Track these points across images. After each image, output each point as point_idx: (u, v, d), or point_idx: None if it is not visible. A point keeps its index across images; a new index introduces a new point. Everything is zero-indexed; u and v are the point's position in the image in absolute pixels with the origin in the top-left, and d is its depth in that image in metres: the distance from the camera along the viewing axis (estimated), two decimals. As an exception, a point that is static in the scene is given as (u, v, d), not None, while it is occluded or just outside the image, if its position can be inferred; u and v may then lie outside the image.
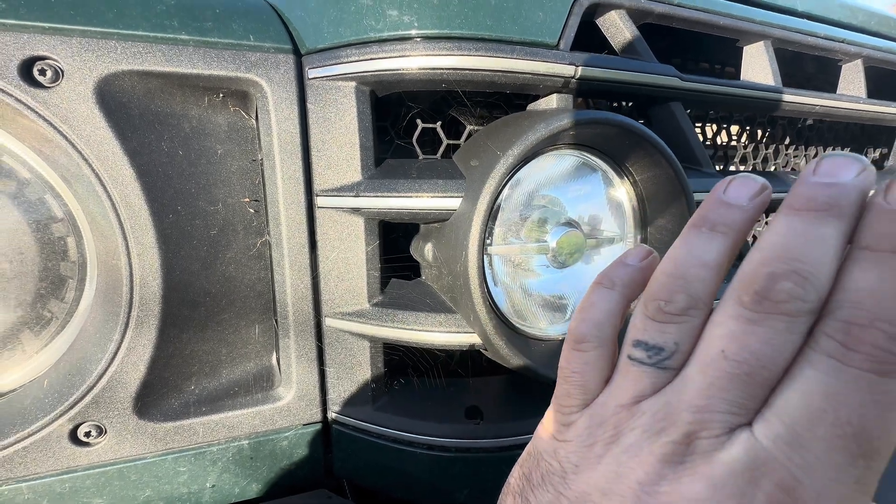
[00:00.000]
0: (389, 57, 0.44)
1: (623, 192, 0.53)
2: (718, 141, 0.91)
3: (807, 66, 0.86)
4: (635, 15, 0.53)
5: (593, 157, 0.51)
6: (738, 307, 0.20)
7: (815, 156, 0.95)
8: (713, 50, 0.85)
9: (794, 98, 0.63)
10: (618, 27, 0.53)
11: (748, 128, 0.89)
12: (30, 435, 0.44)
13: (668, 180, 0.50)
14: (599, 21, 0.54)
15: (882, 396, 0.16)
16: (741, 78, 0.66)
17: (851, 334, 0.17)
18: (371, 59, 0.44)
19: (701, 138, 0.85)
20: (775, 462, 0.17)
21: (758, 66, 0.65)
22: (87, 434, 0.45)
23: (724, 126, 0.87)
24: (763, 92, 0.60)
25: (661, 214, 0.53)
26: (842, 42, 0.71)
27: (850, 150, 1.00)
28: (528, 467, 0.26)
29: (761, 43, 0.65)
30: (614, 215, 0.54)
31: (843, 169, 0.18)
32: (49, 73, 0.40)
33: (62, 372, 0.46)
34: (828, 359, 0.17)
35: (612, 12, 0.53)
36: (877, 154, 1.01)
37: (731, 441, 0.19)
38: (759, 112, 0.75)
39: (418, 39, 0.44)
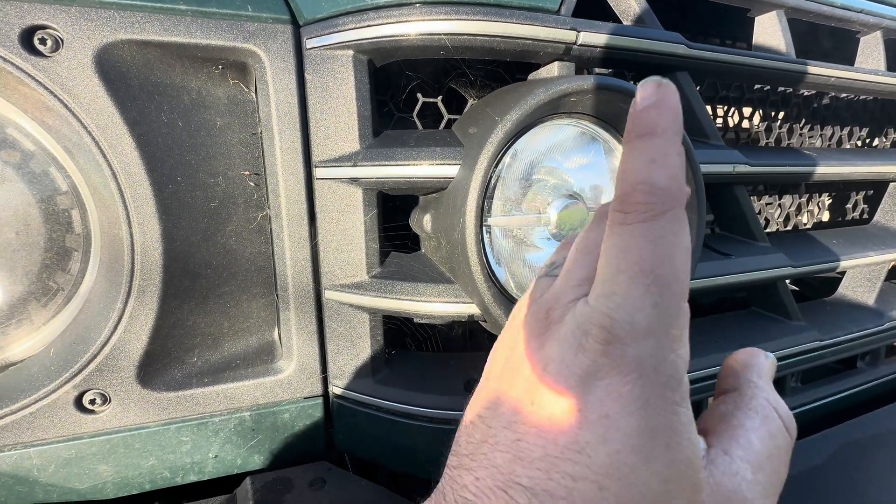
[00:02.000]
0: (387, 23, 0.43)
1: (627, 163, 0.52)
2: (731, 122, 0.88)
3: (823, 41, 0.83)
4: (641, -19, 0.52)
5: (595, 127, 0.50)
6: (608, 221, 0.25)
7: (832, 136, 0.92)
8: (725, 25, 0.82)
9: (808, 69, 0.61)
10: (623, -6, 0.52)
11: (761, 108, 0.86)
12: (37, 401, 0.45)
13: (673, 150, 0.48)
14: (604, -12, 0.53)
15: (654, 235, 0.21)
16: (753, 49, 0.64)
17: (624, 202, 0.22)
18: (368, 25, 0.44)
19: (712, 115, 0.83)
20: (596, 312, 0.22)
21: (770, 38, 0.63)
22: (92, 402, 0.46)
23: (737, 106, 0.85)
24: (775, 62, 0.58)
25: (667, 187, 0.51)
26: (860, 12, 0.68)
27: (869, 130, 0.97)
28: (465, 418, 0.29)
29: (773, 13, 0.63)
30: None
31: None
32: (49, 42, 0.40)
33: (67, 341, 0.47)
34: (616, 225, 0.23)
35: (617, -21, 0.51)
36: (897, 134, 0.98)
37: (573, 309, 0.24)
38: (772, 83, 0.73)
39: (416, 4, 0.43)
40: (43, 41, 0.40)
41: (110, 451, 0.48)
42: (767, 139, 0.85)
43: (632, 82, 0.66)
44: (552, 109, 0.44)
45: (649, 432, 0.20)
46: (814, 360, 0.66)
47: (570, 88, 0.42)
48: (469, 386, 0.50)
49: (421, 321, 0.54)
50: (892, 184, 0.79)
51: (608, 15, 0.53)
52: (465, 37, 0.43)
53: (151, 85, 0.45)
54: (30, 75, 0.40)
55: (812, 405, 0.68)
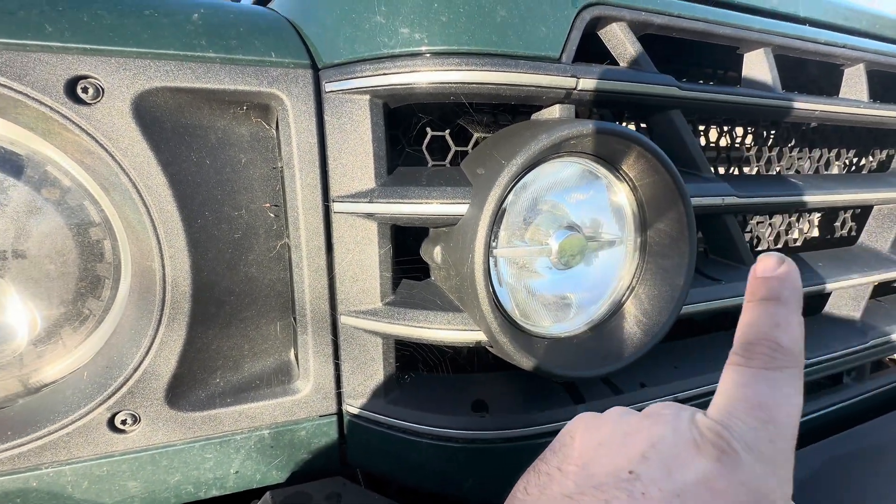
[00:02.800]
0: (401, 72, 0.47)
1: (623, 196, 0.56)
2: (723, 143, 0.92)
3: (811, 70, 0.87)
4: (636, 27, 0.56)
5: (594, 164, 0.53)
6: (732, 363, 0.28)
7: (820, 158, 0.96)
8: (717, 54, 0.86)
9: (793, 104, 0.65)
10: (619, 39, 0.55)
11: (752, 130, 0.90)
12: (72, 422, 0.48)
13: (665, 186, 0.52)
14: (601, 33, 0.56)
15: (773, 381, 0.25)
16: (742, 84, 0.68)
17: (748, 350, 0.26)
18: (384, 73, 0.47)
19: (704, 141, 0.87)
20: (714, 422, 0.25)
21: (758, 73, 0.67)
22: (124, 422, 0.49)
23: (728, 130, 0.89)
24: (761, 98, 0.62)
25: (660, 218, 0.55)
26: (843, 47, 0.72)
27: (856, 152, 1.01)
28: (536, 463, 0.31)
29: (761, 50, 0.66)
30: (615, 219, 0.56)
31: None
32: (91, 91, 0.44)
33: (100, 364, 0.50)
34: (737, 366, 0.26)
35: (614, 24, 0.55)
36: (883, 155, 1.02)
37: (684, 411, 0.27)
38: (759, 117, 0.76)
39: (428, 55, 0.47)
40: (85, 90, 0.44)
41: (139, 469, 0.51)
42: (758, 162, 0.89)
43: (627, 124, 0.70)
44: (554, 151, 0.48)
45: None
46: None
47: (571, 133, 0.45)
48: (476, 407, 0.53)
49: (431, 345, 0.57)
50: (875, 207, 0.82)
51: (607, 54, 0.57)
52: (472, 85, 0.47)
53: (182, 127, 0.48)
54: (74, 122, 0.43)
55: (801, 420, 0.71)
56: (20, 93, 0.42)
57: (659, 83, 0.54)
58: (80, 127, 0.44)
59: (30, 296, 0.49)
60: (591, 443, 0.28)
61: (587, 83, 0.50)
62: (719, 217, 0.63)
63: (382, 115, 0.50)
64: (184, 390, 0.51)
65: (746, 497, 0.23)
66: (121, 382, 0.48)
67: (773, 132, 0.92)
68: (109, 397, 0.48)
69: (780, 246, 0.93)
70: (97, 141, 0.44)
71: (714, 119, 0.85)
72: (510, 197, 0.50)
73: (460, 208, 0.47)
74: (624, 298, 0.57)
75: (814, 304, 0.84)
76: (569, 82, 0.49)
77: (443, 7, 0.46)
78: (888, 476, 0.68)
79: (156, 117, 0.46)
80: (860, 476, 0.67)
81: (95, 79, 0.44)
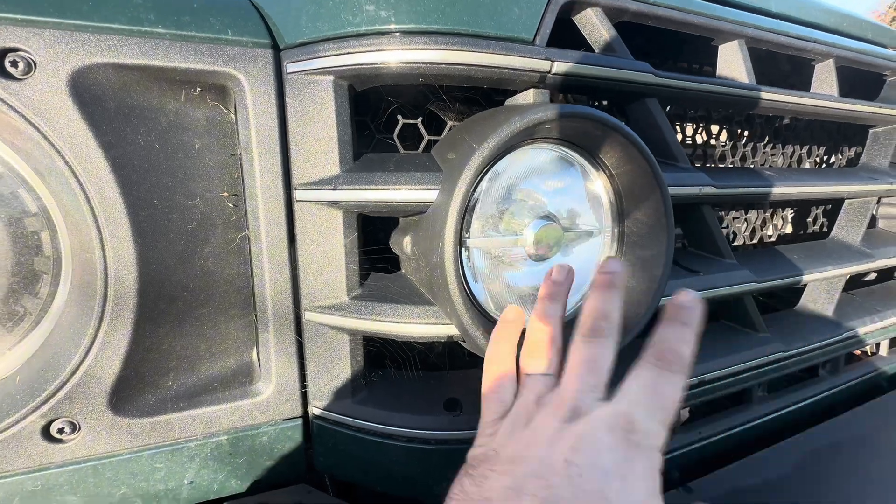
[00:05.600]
0: (366, 51, 0.44)
1: (600, 185, 0.54)
2: (699, 140, 0.92)
3: (783, 66, 0.88)
4: (611, 13, 0.55)
5: (570, 152, 0.51)
6: (581, 337, 0.41)
7: (793, 154, 0.97)
8: (693, 51, 0.86)
9: (766, 95, 0.65)
10: (594, 25, 0.54)
11: (726, 126, 0.91)
12: (1, 431, 0.43)
13: (643, 174, 0.50)
14: (576, 19, 0.55)
15: (674, 383, 0.36)
16: (717, 76, 0.67)
17: (658, 352, 0.37)
18: (348, 53, 0.45)
19: (681, 137, 0.87)
20: (623, 412, 0.34)
21: (732, 65, 0.67)
22: (61, 430, 0.45)
23: (703, 125, 0.89)
24: (735, 89, 0.62)
25: (638, 208, 0.53)
26: (814, 42, 0.73)
27: (826, 148, 1.02)
28: (464, 472, 0.37)
29: (735, 42, 0.66)
30: (592, 208, 0.54)
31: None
32: (21, 65, 0.40)
33: (35, 368, 0.46)
34: (649, 365, 0.37)
35: (589, 10, 0.54)
36: (851, 153, 1.04)
37: (599, 407, 0.36)
38: (733, 109, 0.76)
39: (395, 34, 0.44)
40: (14, 64, 0.40)
41: (80, 482, 0.46)
42: (733, 157, 0.89)
43: (606, 110, 0.69)
44: (527, 136, 0.46)
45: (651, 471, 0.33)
46: (779, 371, 0.69)
47: (544, 117, 0.43)
48: (448, 405, 0.50)
49: (401, 341, 0.54)
50: (846, 201, 0.83)
51: (581, 42, 0.56)
52: (442, 65, 0.44)
53: (128, 107, 0.44)
54: (1, 99, 0.39)
55: (779, 413, 0.71)
56: (-62, 65, 0.38)
57: (635, 69, 0.53)
58: (7, 104, 0.40)
59: (-46, 293, 0.44)
60: (519, 446, 0.35)
61: (562, 66, 0.48)
62: (697, 208, 0.62)
63: (347, 97, 0.47)
64: (130, 394, 0.47)
65: (650, 461, 0.33)
66: (57, 387, 0.44)
67: (747, 129, 0.93)
68: (43, 403, 0.44)
69: (755, 241, 0.94)
70: (28, 120, 0.40)
71: (690, 114, 0.85)
72: (483, 185, 0.48)
73: (430, 195, 0.44)
74: (602, 291, 0.55)
75: (788, 297, 0.84)
76: (543, 65, 0.47)
77: (410, -17, 0.44)
78: (865, 467, 0.68)
79: (97, 95, 0.42)
80: (837, 469, 0.67)
81: (26, 52, 0.40)
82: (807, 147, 0.98)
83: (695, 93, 0.59)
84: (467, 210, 0.46)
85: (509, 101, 0.52)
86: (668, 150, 0.59)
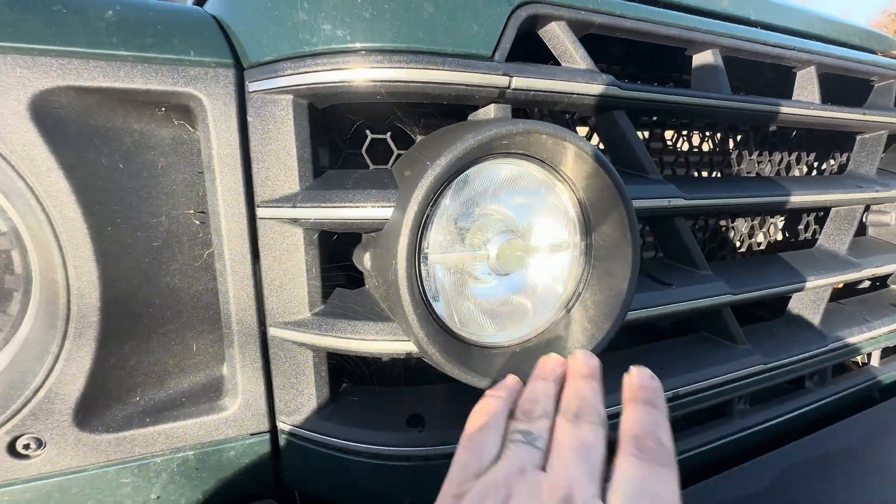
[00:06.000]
0: (323, 70, 0.45)
1: (566, 198, 0.54)
2: (684, 148, 0.92)
3: (766, 73, 0.87)
4: (576, 26, 0.55)
5: (533, 166, 0.51)
6: (566, 419, 0.36)
7: (781, 161, 0.95)
8: (672, 57, 0.86)
9: (740, 105, 0.64)
10: (559, 38, 0.54)
11: (709, 134, 0.90)
12: (-33, 448, 0.44)
13: (606, 187, 0.50)
14: (541, 32, 0.55)
15: (666, 479, 0.31)
16: (691, 85, 0.67)
17: (639, 443, 0.33)
18: (306, 72, 0.45)
19: (662, 145, 0.86)
20: None
21: (707, 75, 0.66)
22: (26, 447, 0.46)
23: (685, 133, 0.88)
24: (707, 99, 0.61)
25: (604, 221, 0.53)
26: (793, 50, 0.72)
27: (816, 155, 1.01)
28: None
29: (710, 52, 0.66)
30: (557, 222, 0.54)
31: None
32: (-19, 90, 0.41)
33: (2, 385, 0.46)
34: (634, 458, 0.32)
35: (553, 24, 0.54)
36: (843, 158, 1.02)
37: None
38: (708, 119, 0.76)
39: (351, 53, 0.45)
40: (-24, 89, 0.41)
41: (45, 498, 0.47)
42: (720, 167, 0.88)
43: (576, 126, 0.69)
44: (485, 152, 0.46)
45: None
46: (759, 384, 0.68)
47: (500, 132, 0.43)
48: (411, 421, 0.50)
49: (365, 357, 0.54)
50: (833, 209, 0.82)
51: (551, 56, 0.56)
52: (399, 83, 0.45)
53: (91, 129, 0.45)
54: (-38, 123, 0.40)
55: (760, 426, 0.70)
56: None
57: (599, 83, 0.53)
58: (-33, 128, 0.41)
59: (-76, 311, 0.45)
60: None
61: (521, 82, 0.48)
62: (669, 219, 0.62)
63: (307, 115, 0.47)
64: (96, 410, 0.48)
65: None
66: (21, 403, 0.44)
67: (731, 137, 0.92)
68: (9, 420, 0.44)
69: (743, 250, 0.93)
70: (-11, 143, 0.41)
71: (671, 122, 0.85)
72: (445, 201, 0.48)
73: (385, 212, 0.44)
74: (570, 304, 0.55)
75: (774, 306, 0.83)
76: (501, 81, 0.47)
77: (366, 3, 0.44)
78: (852, 480, 0.66)
79: (58, 118, 0.43)
80: (824, 481, 0.65)
81: (-14, 77, 0.41)
82: (795, 154, 0.97)
83: (663, 104, 0.58)
84: (427, 225, 0.46)
85: (471, 116, 0.52)
86: (638, 161, 0.58)
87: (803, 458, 0.67)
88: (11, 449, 0.45)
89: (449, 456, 0.49)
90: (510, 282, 0.54)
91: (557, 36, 0.54)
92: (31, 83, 0.42)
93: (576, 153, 0.47)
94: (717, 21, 0.66)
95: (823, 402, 0.77)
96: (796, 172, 0.98)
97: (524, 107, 0.55)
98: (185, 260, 0.51)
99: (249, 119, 0.48)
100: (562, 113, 0.67)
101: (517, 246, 0.50)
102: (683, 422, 0.67)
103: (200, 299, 0.52)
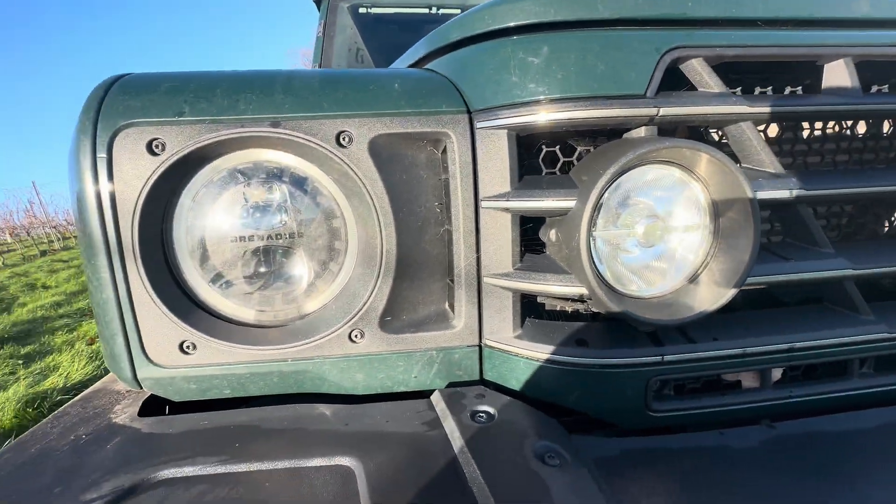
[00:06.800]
0: (529, 115, 0.71)
1: (698, 192, 0.73)
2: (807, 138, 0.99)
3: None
4: (711, 60, 0.72)
5: (673, 168, 0.71)
6: None
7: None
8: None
9: (873, 107, 0.74)
10: (697, 71, 0.72)
11: (837, 129, 0.96)
12: (327, 335, 0.81)
13: (733, 182, 0.68)
14: (682, 67, 0.74)
15: None
16: (822, 91, 0.78)
17: None
18: (517, 116, 0.72)
19: (794, 135, 0.95)
20: None
21: (838, 81, 0.77)
22: (356, 336, 0.81)
23: (820, 128, 0.95)
24: (826, 106, 0.73)
25: (730, 208, 0.71)
26: (939, 47, 0.77)
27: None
28: None
29: (841, 61, 0.76)
30: (691, 210, 0.73)
31: None
32: (347, 139, 0.76)
33: (341, 301, 0.83)
34: None
35: (692, 60, 0.72)
36: None
37: None
38: (834, 120, 0.85)
39: (546, 101, 0.70)
40: (344, 138, 0.76)
41: (362, 366, 0.83)
42: (848, 157, 0.94)
43: (710, 134, 0.85)
44: (639, 162, 0.68)
45: None
46: (879, 351, 0.78)
47: (651, 149, 0.65)
48: (578, 343, 0.75)
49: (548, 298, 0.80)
50: None
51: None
52: (576, 120, 0.69)
53: (392, 155, 0.78)
54: (337, 156, 0.76)
55: (880, 389, 0.80)
56: (308, 141, 0.76)
57: (729, 104, 0.70)
58: (341, 160, 0.76)
59: (304, 261, 0.83)
60: None
61: (666, 111, 0.68)
62: (792, 206, 0.76)
63: (515, 142, 0.74)
64: (388, 320, 0.82)
65: None
66: (355, 312, 0.80)
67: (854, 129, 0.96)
68: (349, 321, 0.80)
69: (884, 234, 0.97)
70: (349, 167, 0.76)
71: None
72: (606, 195, 0.71)
73: (570, 203, 0.69)
74: (699, 270, 0.74)
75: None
76: (651, 111, 0.68)
77: (558, 68, 0.69)
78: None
79: (379, 151, 0.77)
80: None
81: (349, 132, 0.76)
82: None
83: (786, 114, 0.73)
84: (596, 213, 0.69)
85: (626, 135, 0.74)
86: (762, 160, 0.74)
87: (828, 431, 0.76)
88: (349, 336, 0.81)
89: (604, 367, 0.74)
90: (653, 252, 0.75)
91: (696, 69, 0.72)
92: (368, 133, 0.75)
93: (708, 160, 0.66)
94: (846, 31, 0.76)
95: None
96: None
97: (668, 127, 0.75)
98: (432, 234, 0.82)
99: (476, 144, 0.77)
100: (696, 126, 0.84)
101: (658, 226, 0.71)
102: (803, 375, 0.81)
103: (438, 259, 0.84)
